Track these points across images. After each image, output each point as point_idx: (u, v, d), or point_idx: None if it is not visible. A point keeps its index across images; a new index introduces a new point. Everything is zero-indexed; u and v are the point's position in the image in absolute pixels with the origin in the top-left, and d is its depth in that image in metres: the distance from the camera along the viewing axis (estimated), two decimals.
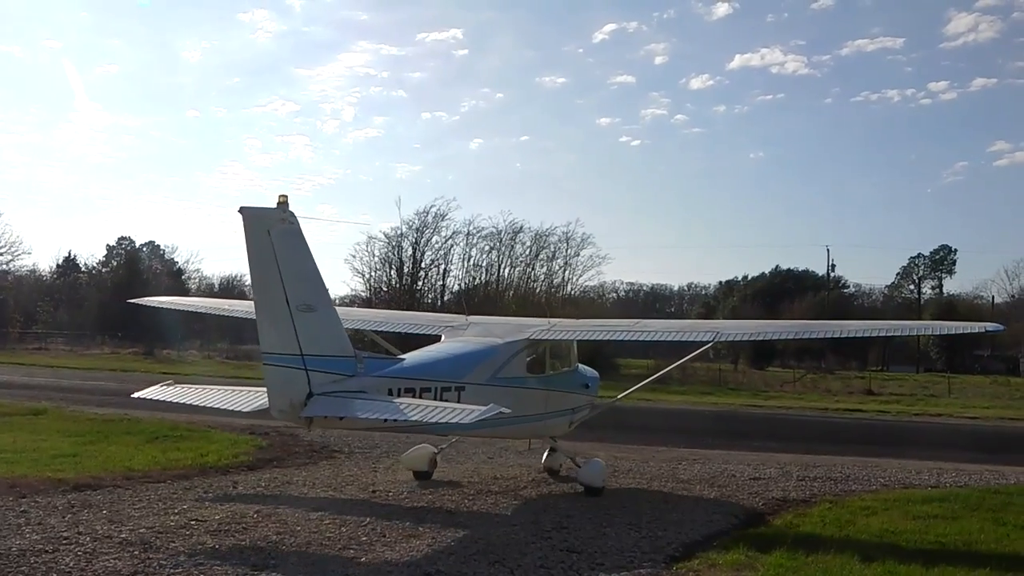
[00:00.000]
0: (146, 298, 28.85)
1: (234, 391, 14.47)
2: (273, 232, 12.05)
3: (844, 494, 17.23)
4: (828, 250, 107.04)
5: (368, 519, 13.35)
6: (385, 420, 12.58)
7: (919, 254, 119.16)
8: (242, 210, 12.00)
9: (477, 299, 70.00)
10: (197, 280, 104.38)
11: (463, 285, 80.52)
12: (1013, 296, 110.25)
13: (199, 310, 27.89)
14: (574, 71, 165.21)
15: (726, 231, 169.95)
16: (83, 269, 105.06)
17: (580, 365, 18.18)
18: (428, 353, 15.30)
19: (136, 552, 10.92)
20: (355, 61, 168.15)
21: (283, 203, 12.16)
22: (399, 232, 79.13)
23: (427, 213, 78.64)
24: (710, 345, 17.60)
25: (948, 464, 21.53)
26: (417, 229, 78.77)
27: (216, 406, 14.20)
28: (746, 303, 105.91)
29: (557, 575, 10.79)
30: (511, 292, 77.38)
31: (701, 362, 65.77)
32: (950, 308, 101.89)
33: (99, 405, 29.36)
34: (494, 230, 79.77)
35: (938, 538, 13.36)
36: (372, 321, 17.71)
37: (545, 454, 18.27)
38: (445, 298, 79.71)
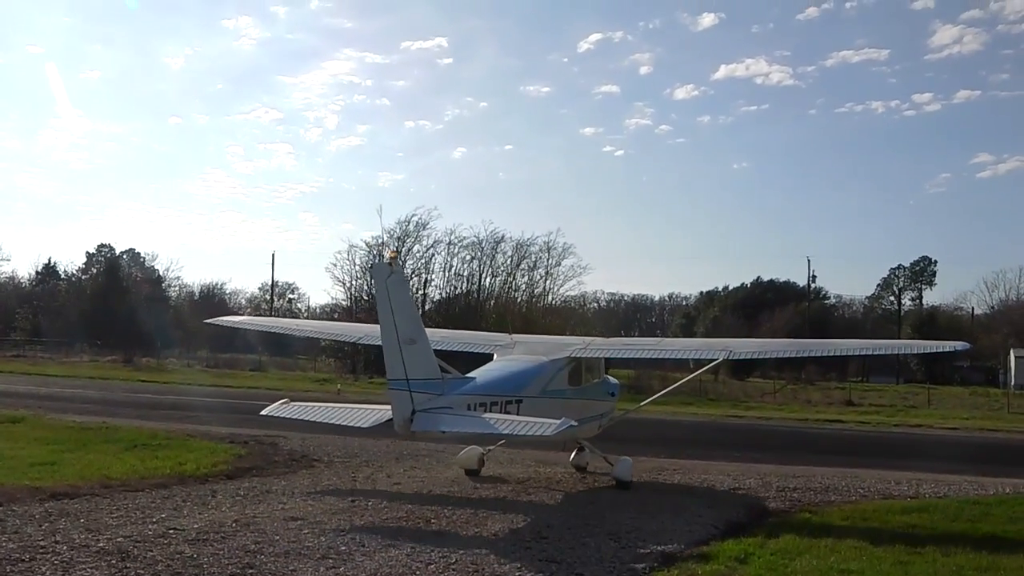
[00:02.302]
0: (224, 318, 32.98)
1: (351, 408, 17.24)
2: (389, 281, 15.20)
3: (824, 504, 17.27)
4: (809, 261, 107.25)
5: (347, 528, 13.33)
6: (481, 434, 15.62)
7: (899, 265, 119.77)
8: (372, 267, 15.52)
9: (458, 308, 70.01)
10: (177, 288, 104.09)
11: (444, 294, 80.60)
12: (993, 307, 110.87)
13: (274, 330, 32.04)
14: (558, 80, 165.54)
15: (708, 241, 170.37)
16: (63, 276, 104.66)
17: (608, 376, 20.59)
18: (491, 372, 17.61)
19: (113, 561, 10.85)
20: (339, 69, 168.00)
21: (394, 258, 15.79)
22: (380, 241, 79.19)
23: (408, 222, 78.84)
24: (720, 360, 20.63)
25: (927, 475, 21.60)
26: (398, 238, 78.87)
27: (336, 422, 16.62)
28: (727, 314, 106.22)
29: None
30: (492, 302, 77.41)
31: (682, 372, 66.09)
32: (930, 320, 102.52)
33: (78, 413, 29.25)
34: (475, 239, 79.97)
35: (917, 548, 13.35)
36: (438, 340, 18.63)
37: (573, 454, 20.45)
38: (426, 307, 79.67)
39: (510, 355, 19.00)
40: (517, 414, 15.88)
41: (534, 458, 21.90)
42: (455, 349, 20.38)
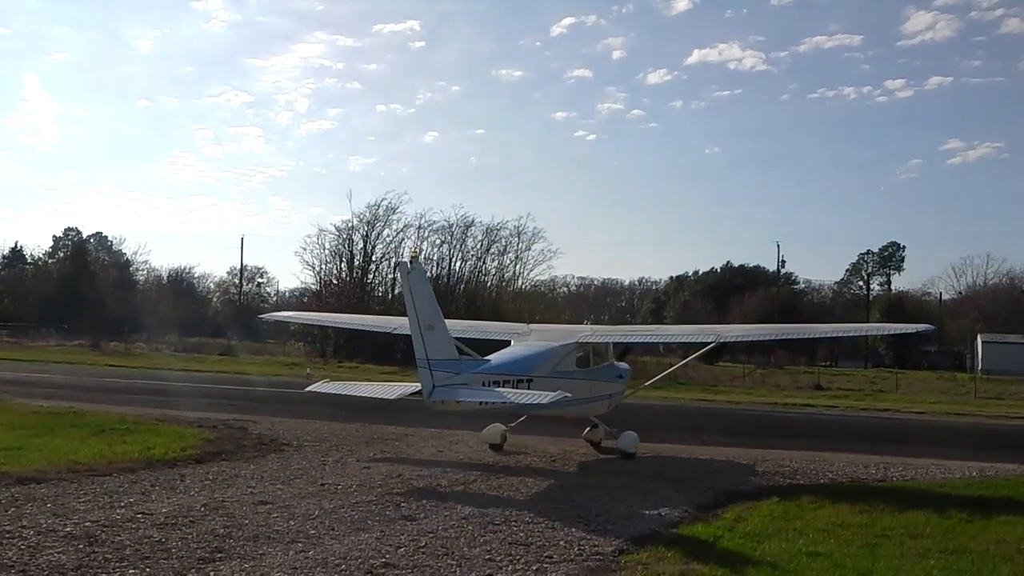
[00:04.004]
0: (274, 313, 37.62)
1: (380, 385, 21.01)
2: (410, 277, 17.85)
3: (792, 488, 17.34)
4: (779, 246, 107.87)
5: (316, 512, 13.32)
6: (488, 403, 17.64)
7: (868, 251, 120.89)
8: (397, 265, 19.88)
9: None
10: (145, 272, 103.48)
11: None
12: (960, 293, 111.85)
13: (318, 323, 40.31)
14: (531, 65, 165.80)
15: (679, 226, 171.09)
16: (29, 260, 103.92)
17: (615, 361, 22.63)
18: (505, 355, 20.10)
19: (81, 546, 10.80)
20: (310, 52, 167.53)
21: (415, 257, 20.65)
22: (350, 225, 79.13)
23: (378, 206, 78.83)
24: (712, 346, 23.45)
25: (895, 458, 21.72)
26: (368, 222, 78.91)
27: (369, 395, 19.33)
28: (696, 298, 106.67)
29: (504, 567, 10.77)
30: (462, 286, 77.38)
31: (651, 356, 66.23)
32: (898, 305, 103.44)
33: (45, 398, 29.04)
34: (445, 224, 79.96)
35: (884, 531, 13.46)
36: (457, 330, 20.82)
37: (587, 429, 22.23)
38: (395, 291, 79.55)
39: (525, 341, 21.32)
40: (528, 389, 18.26)
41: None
42: (478, 336, 22.97)
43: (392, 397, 18.66)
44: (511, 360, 19.73)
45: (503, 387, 18.19)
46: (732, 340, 24.32)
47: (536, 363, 19.67)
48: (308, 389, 20.27)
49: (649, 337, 26.41)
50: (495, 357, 19.67)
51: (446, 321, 18.39)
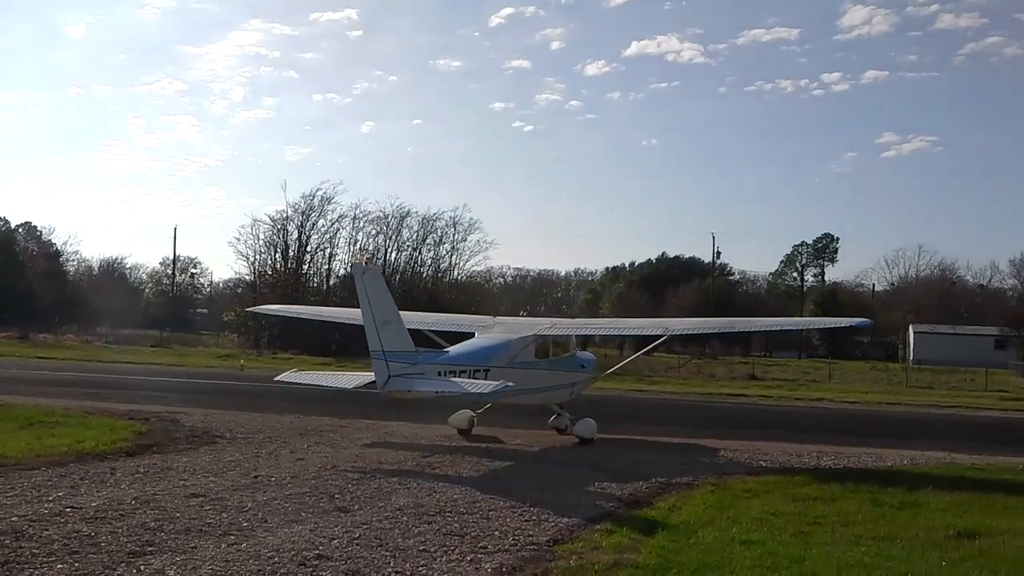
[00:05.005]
0: (263, 306, 44.52)
1: (341, 375, 22.49)
2: (364, 277, 19.10)
3: (726, 477, 17.46)
4: (714, 237, 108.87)
5: (250, 505, 13.21)
6: (444, 392, 18.91)
7: (803, 242, 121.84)
8: (352, 266, 21.03)
9: None
10: (76, 263, 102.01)
11: (349, 269, 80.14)
12: (892, 284, 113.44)
13: (302, 316, 38.42)
14: (470, 55, 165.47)
15: (615, 217, 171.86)
16: None
17: (578, 351, 23.85)
18: (464, 347, 21.09)
19: (7, 541, 10.61)
20: (246, 40, 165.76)
21: (370, 260, 25.53)
22: (284, 215, 78.67)
23: (313, 196, 78.33)
24: (664, 339, 25.35)
25: (828, 447, 22.02)
26: (303, 212, 78.39)
27: (329, 385, 20.99)
28: (632, 289, 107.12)
29: (439, 558, 10.73)
30: (397, 277, 77.14)
31: (589, 347, 66.38)
32: (832, 296, 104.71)
33: None
34: (381, 214, 79.69)
35: (817, 519, 13.60)
36: (426, 322, 23.90)
37: (553, 417, 22.88)
38: (331, 282, 79.23)
39: (488, 333, 22.29)
40: (485, 379, 19.40)
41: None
42: (445, 329, 23.85)
43: (350, 387, 19.94)
44: (468, 351, 20.80)
45: (459, 376, 19.26)
46: (681, 333, 25.62)
47: (493, 354, 20.66)
48: (277, 379, 21.86)
49: (604, 330, 29.34)
50: (453, 349, 20.84)
51: (416, 313, 21.04)
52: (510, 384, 18.90)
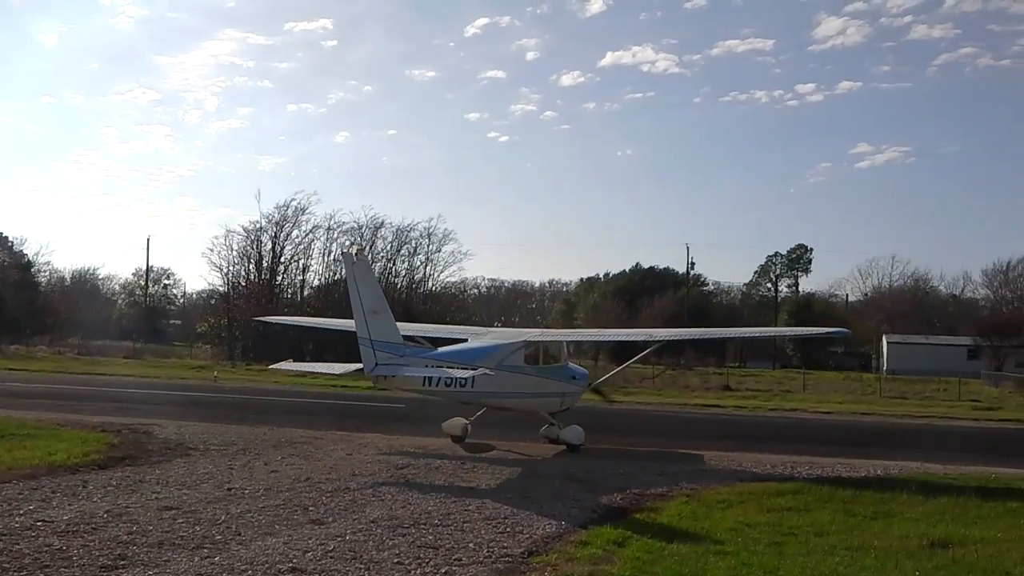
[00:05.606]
0: (272, 316, 45.11)
1: (330, 365, 24.42)
2: (354, 267, 20.21)
3: (701, 488, 17.47)
4: (688, 248, 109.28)
5: (223, 517, 13.13)
6: (431, 378, 20.14)
7: (776, 253, 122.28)
8: (343, 255, 22.60)
9: (338, 294, 69.42)
10: (48, 273, 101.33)
11: (323, 280, 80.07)
12: (866, 295, 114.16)
13: (312, 326, 43.66)
14: (444, 65, 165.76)
15: (590, 228, 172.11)
16: None
17: (570, 363, 24.00)
18: (453, 348, 22.12)
19: None
20: (220, 50, 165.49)
21: (360, 250, 23.59)
22: (258, 226, 78.47)
23: (287, 207, 78.31)
24: (652, 348, 26.25)
25: (802, 457, 22.05)
26: (277, 223, 78.24)
27: (321, 371, 24.93)
28: (607, 300, 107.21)
29: (413, 571, 10.72)
30: None
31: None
32: (806, 306, 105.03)
33: None
34: (355, 225, 79.78)
35: (791, 529, 13.64)
36: (426, 331, 25.30)
37: (545, 427, 23.18)
38: (305, 293, 79.03)
39: (479, 339, 23.31)
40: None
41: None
42: (441, 336, 24.46)
43: (337, 373, 22.25)
44: (457, 351, 21.75)
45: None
46: (663, 340, 25.29)
47: (481, 356, 21.26)
48: (272, 367, 24.98)
49: (592, 338, 31.98)
50: (443, 349, 21.85)
51: (413, 324, 21.72)
52: (489, 371, 20.19)
